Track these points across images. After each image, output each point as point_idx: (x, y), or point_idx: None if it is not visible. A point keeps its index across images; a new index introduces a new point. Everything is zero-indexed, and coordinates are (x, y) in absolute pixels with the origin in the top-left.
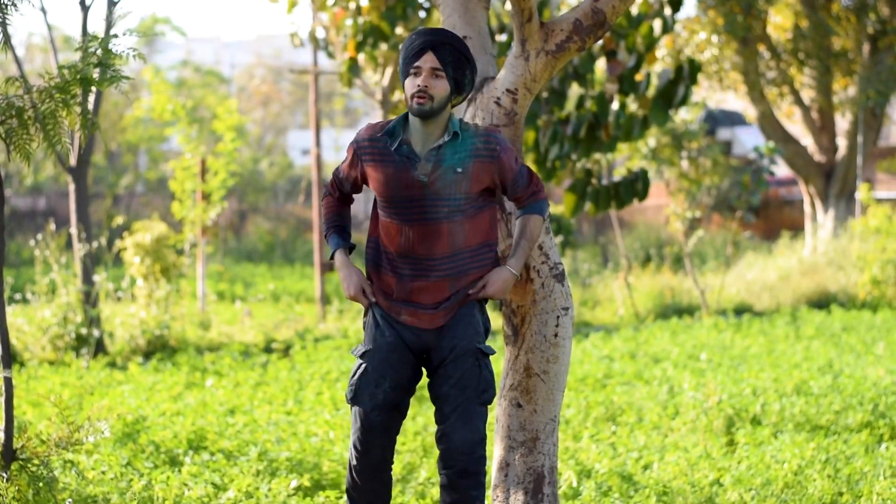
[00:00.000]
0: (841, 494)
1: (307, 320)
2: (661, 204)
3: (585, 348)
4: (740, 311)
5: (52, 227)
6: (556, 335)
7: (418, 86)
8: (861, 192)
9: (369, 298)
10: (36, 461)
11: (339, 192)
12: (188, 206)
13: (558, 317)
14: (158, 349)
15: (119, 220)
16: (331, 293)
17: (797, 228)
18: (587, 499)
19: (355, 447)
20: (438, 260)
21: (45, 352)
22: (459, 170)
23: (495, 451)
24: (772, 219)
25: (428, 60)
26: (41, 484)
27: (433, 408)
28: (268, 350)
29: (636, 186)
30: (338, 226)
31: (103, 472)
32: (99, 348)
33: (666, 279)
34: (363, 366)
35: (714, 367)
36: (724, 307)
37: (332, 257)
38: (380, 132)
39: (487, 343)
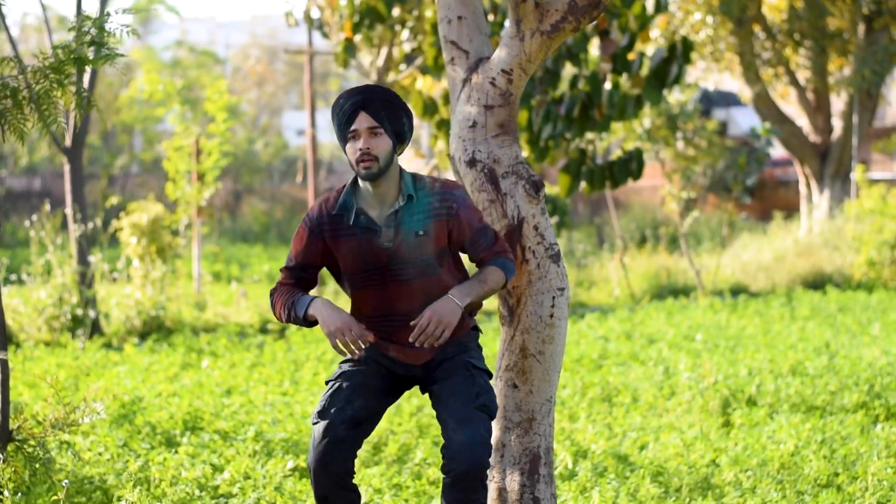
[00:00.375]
0: (837, 475)
1: None
2: (657, 185)
3: (581, 329)
4: (736, 291)
5: (48, 207)
6: (551, 316)
7: (360, 150)
8: (856, 174)
9: (360, 341)
10: (32, 442)
11: (295, 280)
12: (182, 186)
13: (554, 297)
14: (154, 330)
15: (114, 200)
16: (325, 274)
17: (792, 209)
18: (583, 479)
19: (316, 463)
20: (418, 312)
21: (40, 333)
22: (421, 232)
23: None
24: (767, 200)
25: (363, 121)
26: (37, 465)
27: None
28: (263, 331)
29: (630, 166)
30: (299, 292)
31: (100, 453)
32: (95, 329)
33: (661, 260)
34: (338, 384)
35: (710, 347)
36: (720, 288)
37: (304, 316)
38: (333, 209)
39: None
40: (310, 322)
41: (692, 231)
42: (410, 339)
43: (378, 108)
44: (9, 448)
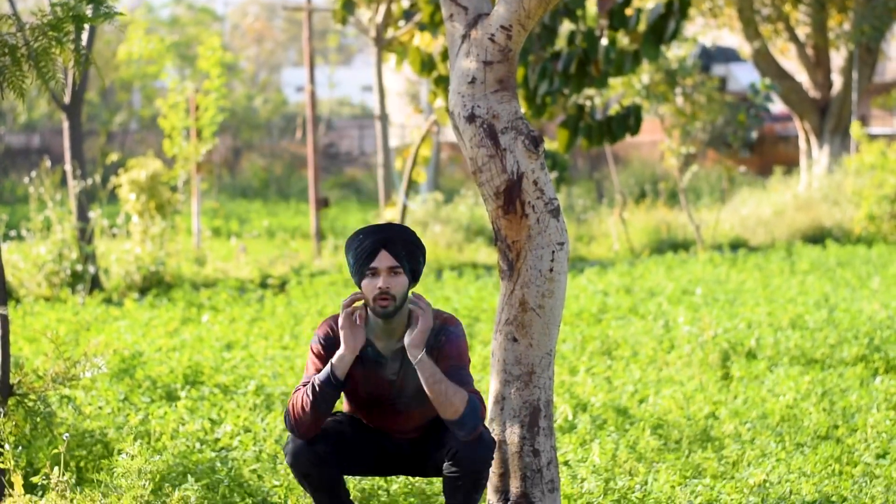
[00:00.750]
0: (836, 427)
1: (302, 256)
2: (656, 140)
3: (581, 283)
4: (735, 246)
5: (47, 164)
6: (551, 270)
7: (379, 288)
8: (853, 130)
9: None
10: (33, 397)
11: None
12: (179, 143)
13: (553, 252)
14: (154, 285)
15: (113, 157)
16: (326, 229)
17: (792, 164)
18: (583, 432)
19: (297, 442)
20: (413, 433)
21: (40, 288)
22: None
23: (491, 385)
24: (767, 154)
25: (384, 260)
26: (38, 419)
27: None
28: (263, 286)
29: (628, 122)
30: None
31: (100, 407)
32: (94, 285)
33: (661, 214)
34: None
35: (709, 301)
36: (719, 242)
37: (333, 377)
38: (334, 349)
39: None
40: (339, 380)
41: (692, 186)
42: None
43: (399, 248)
44: (9, 402)
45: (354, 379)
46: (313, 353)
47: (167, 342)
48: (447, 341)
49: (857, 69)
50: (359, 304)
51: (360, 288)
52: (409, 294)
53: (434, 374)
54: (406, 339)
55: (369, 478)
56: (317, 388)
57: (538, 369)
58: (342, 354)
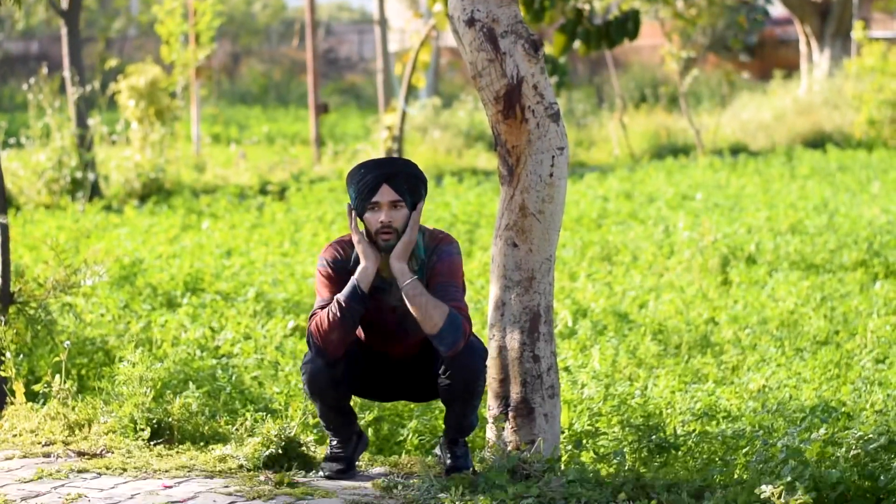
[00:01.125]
0: (836, 333)
1: (302, 162)
2: (656, 44)
3: (581, 189)
4: (735, 150)
5: (45, 71)
6: (551, 175)
7: (381, 222)
8: (856, 31)
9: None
10: (33, 304)
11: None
12: (177, 49)
13: (553, 156)
14: (154, 192)
15: (112, 63)
16: (325, 135)
17: (792, 68)
18: (583, 337)
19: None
20: (412, 355)
21: (40, 196)
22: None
23: (491, 291)
24: (767, 58)
25: (385, 194)
26: (39, 327)
27: None
28: (263, 192)
29: (627, 26)
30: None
31: (101, 315)
32: (94, 192)
33: (661, 119)
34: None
35: (709, 206)
36: (720, 147)
37: (360, 290)
38: (350, 262)
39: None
40: (365, 294)
41: (692, 90)
42: None
43: (401, 182)
44: (10, 310)
45: None
46: (323, 276)
47: (167, 249)
48: (438, 260)
49: None
50: (361, 226)
51: (361, 220)
52: None
53: (413, 286)
54: None
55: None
56: (343, 305)
57: (538, 275)
58: (365, 267)
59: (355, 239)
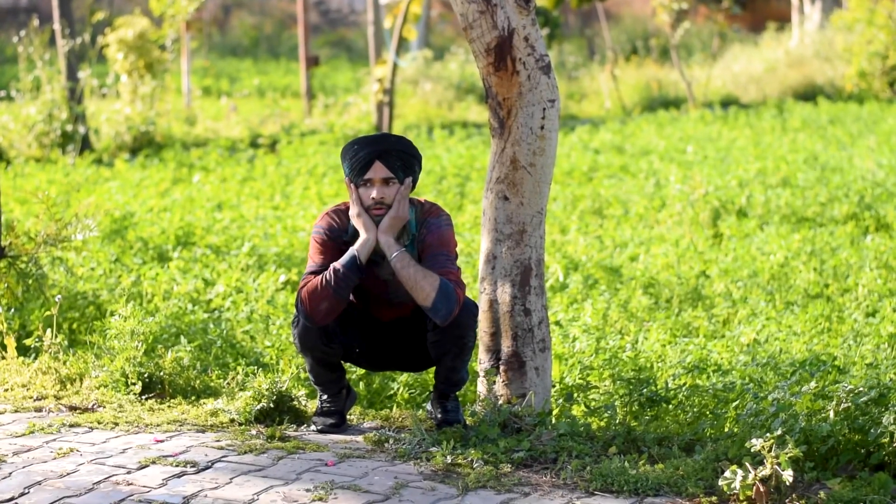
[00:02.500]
0: (826, 286)
1: (293, 115)
2: None
3: (572, 141)
4: (727, 103)
5: (35, 23)
6: (542, 128)
7: (373, 198)
8: None
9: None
10: (24, 258)
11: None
12: (166, 1)
13: (544, 109)
14: (144, 145)
15: (100, 15)
16: (316, 88)
17: (784, 20)
18: (574, 291)
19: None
20: (403, 319)
21: (31, 149)
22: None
23: (482, 244)
24: (758, 11)
25: (378, 171)
26: (30, 281)
27: None
28: (254, 145)
29: None
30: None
31: (92, 269)
32: (85, 145)
33: (652, 71)
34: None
35: (700, 159)
36: (711, 99)
37: (359, 259)
38: (345, 233)
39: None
40: (363, 264)
41: (683, 42)
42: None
43: (394, 159)
44: (1, 265)
45: None
46: (318, 242)
47: (158, 203)
48: (428, 233)
49: None
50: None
51: (354, 193)
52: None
53: (401, 258)
54: None
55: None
56: (340, 272)
57: (529, 228)
58: (366, 239)
59: (354, 211)
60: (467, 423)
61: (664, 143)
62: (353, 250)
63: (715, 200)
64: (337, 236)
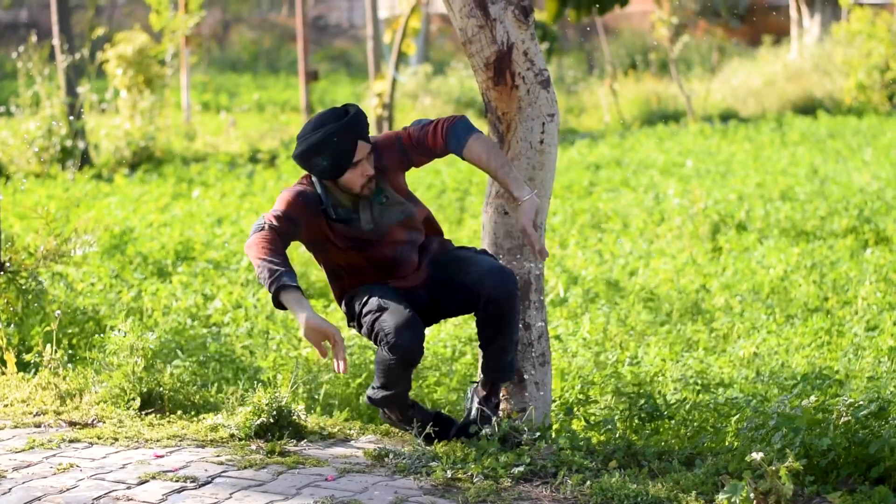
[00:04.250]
0: (826, 299)
1: (292, 130)
2: (647, 10)
3: (571, 156)
4: (726, 117)
5: (35, 38)
6: (541, 142)
7: (367, 175)
8: None
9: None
10: (24, 274)
11: (279, 232)
12: (166, 16)
13: (544, 123)
14: (144, 160)
15: (100, 31)
16: (315, 102)
17: (783, 34)
18: (574, 305)
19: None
20: (408, 251)
21: (30, 165)
22: (385, 198)
23: None
24: (757, 24)
25: (362, 149)
26: (30, 296)
27: None
28: (253, 160)
29: None
30: (288, 268)
31: (92, 284)
32: (84, 160)
33: (651, 85)
34: (381, 314)
35: (700, 173)
36: (710, 113)
37: (278, 296)
38: (314, 205)
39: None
40: (280, 305)
41: (682, 56)
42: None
43: (366, 129)
44: (1, 280)
45: (339, 232)
46: (289, 196)
47: (158, 218)
48: (383, 152)
49: None
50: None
51: (335, 184)
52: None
53: (512, 173)
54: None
55: None
56: (268, 282)
57: None
58: (299, 319)
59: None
60: (471, 432)
61: (663, 156)
62: (287, 299)
63: (714, 214)
64: (311, 199)
